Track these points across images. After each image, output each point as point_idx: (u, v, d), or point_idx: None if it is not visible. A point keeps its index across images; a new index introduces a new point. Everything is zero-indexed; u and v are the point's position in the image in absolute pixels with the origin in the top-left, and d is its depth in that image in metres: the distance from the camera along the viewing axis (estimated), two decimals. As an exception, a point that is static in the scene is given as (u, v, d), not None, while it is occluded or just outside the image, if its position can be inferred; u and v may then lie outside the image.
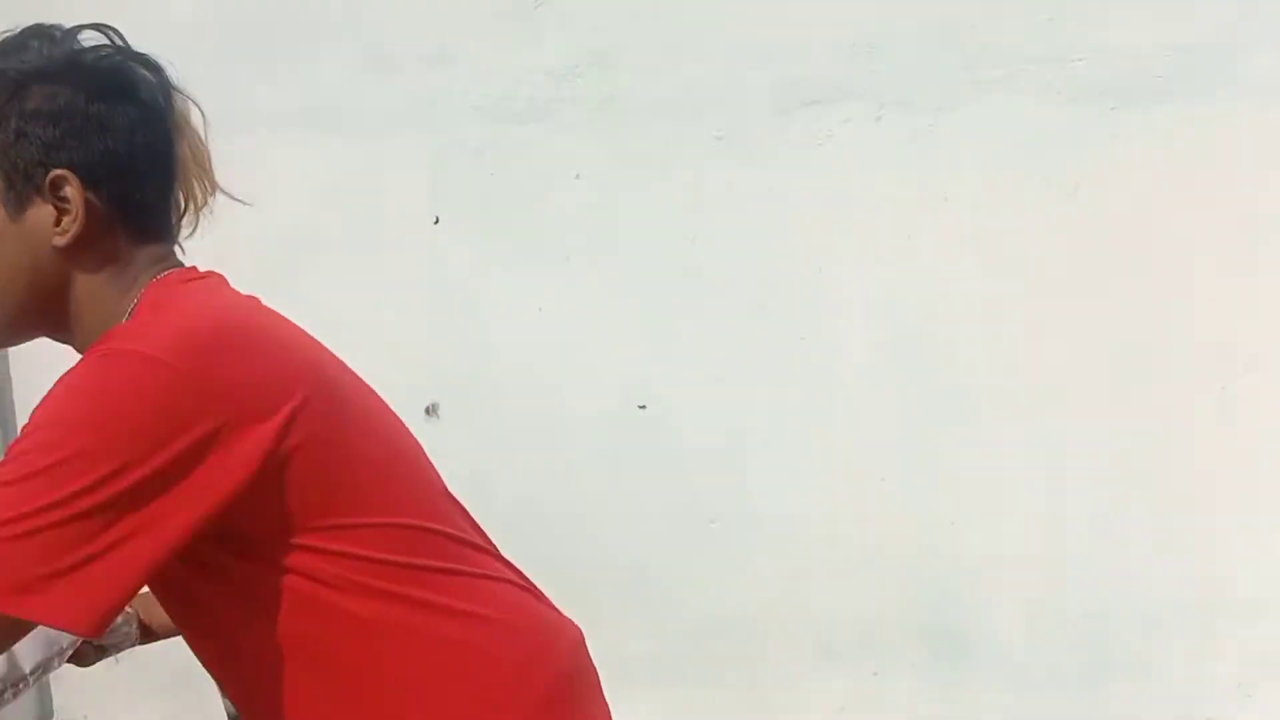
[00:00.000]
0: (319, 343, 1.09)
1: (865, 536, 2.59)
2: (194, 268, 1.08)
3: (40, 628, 0.90)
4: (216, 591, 0.97)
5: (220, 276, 1.11)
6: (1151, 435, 2.52)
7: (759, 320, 2.53)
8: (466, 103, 2.51)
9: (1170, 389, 2.51)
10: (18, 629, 0.87)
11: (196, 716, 2.77)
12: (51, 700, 2.87)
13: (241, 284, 2.92)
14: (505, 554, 1.17)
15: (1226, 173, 2.42)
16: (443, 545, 1.03)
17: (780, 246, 2.50)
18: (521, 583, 1.13)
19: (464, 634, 1.01)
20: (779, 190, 2.48)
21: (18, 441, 0.88)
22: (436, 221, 2.54)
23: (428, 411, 2.59)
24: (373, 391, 1.11)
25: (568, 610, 1.16)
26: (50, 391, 0.90)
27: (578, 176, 2.51)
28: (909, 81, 2.42)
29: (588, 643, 1.16)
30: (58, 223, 0.96)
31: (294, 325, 1.08)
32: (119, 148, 0.99)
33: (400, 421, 1.12)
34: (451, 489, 1.14)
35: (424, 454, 1.12)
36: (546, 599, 1.16)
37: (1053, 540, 2.57)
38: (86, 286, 1.00)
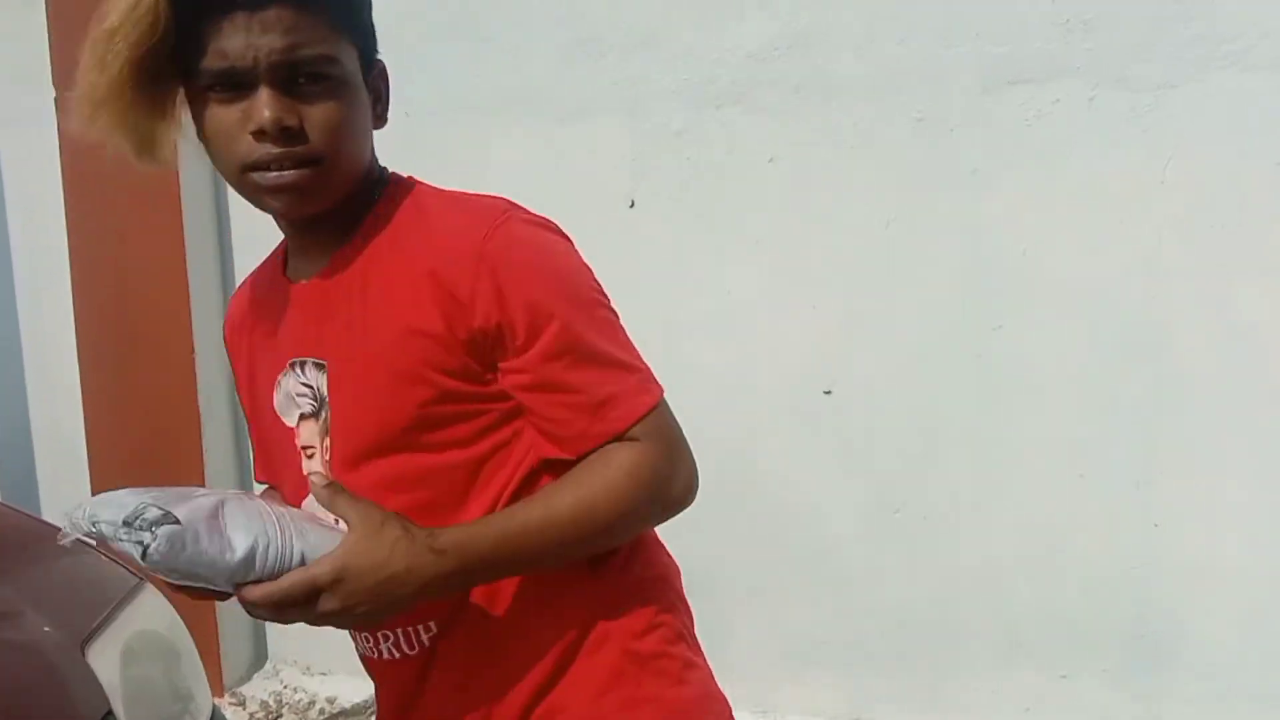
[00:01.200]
0: None
1: (1060, 533, 2.50)
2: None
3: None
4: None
5: None
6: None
7: (957, 306, 2.46)
8: (667, 86, 2.55)
9: None
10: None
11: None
12: (267, 645, 3.11)
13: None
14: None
15: None
16: None
17: (982, 231, 2.43)
18: None
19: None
20: (983, 173, 2.40)
21: (551, 314, 1.04)
22: (632, 205, 2.59)
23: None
24: None
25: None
26: (518, 260, 1.04)
27: (771, 160, 2.50)
28: (1127, 58, 2.29)
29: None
30: (374, 106, 1.08)
31: None
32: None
33: None
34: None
35: None
36: None
37: (1268, 548, 2.41)
38: (360, 186, 1.10)
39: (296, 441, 1.12)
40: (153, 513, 0.93)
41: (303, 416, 1.11)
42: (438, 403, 1.04)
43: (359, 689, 2.92)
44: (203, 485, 2.82)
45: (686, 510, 1.10)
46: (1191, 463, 2.41)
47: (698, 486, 1.10)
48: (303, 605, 0.96)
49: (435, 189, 1.13)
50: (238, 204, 2.85)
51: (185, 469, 2.81)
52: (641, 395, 1.06)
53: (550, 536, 1.02)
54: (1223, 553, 2.43)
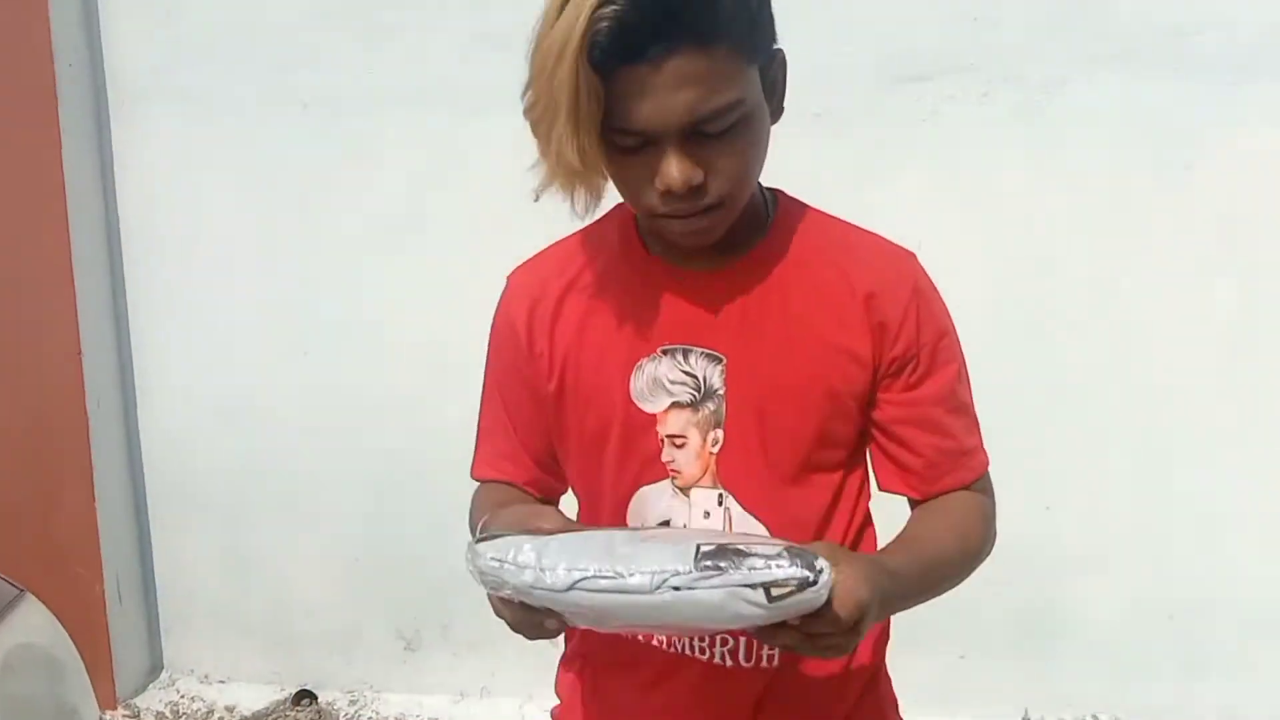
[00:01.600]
0: None
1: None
2: None
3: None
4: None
5: None
6: (1264, 427, 2.44)
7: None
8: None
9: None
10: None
11: (294, 674, 2.89)
12: (162, 654, 3.01)
13: (347, 260, 3.03)
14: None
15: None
16: None
17: (878, 226, 2.46)
18: None
19: None
20: (878, 169, 2.44)
21: (951, 359, 1.12)
22: (536, 199, 2.56)
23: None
24: None
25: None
26: (935, 300, 1.13)
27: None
28: (1019, 55, 2.36)
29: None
30: (769, 101, 1.03)
31: None
32: None
33: None
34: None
35: None
36: None
37: (1150, 529, 2.51)
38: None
39: (659, 429, 1.09)
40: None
41: (676, 405, 1.09)
42: (839, 423, 1.09)
43: (259, 695, 2.85)
44: (90, 487, 2.73)
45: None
46: (1080, 449, 2.50)
47: None
48: (848, 632, 0.92)
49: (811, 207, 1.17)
50: (127, 205, 2.79)
51: (71, 472, 2.72)
52: (984, 451, 1.16)
53: (941, 574, 1.09)
54: (1109, 534, 2.53)
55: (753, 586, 0.86)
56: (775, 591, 0.86)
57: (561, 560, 0.91)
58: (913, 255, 1.14)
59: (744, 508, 1.08)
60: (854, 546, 1.14)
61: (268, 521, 2.83)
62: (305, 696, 2.85)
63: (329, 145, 2.63)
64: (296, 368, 2.75)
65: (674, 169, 0.96)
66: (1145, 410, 2.47)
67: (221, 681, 2.93)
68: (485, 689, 2.82)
